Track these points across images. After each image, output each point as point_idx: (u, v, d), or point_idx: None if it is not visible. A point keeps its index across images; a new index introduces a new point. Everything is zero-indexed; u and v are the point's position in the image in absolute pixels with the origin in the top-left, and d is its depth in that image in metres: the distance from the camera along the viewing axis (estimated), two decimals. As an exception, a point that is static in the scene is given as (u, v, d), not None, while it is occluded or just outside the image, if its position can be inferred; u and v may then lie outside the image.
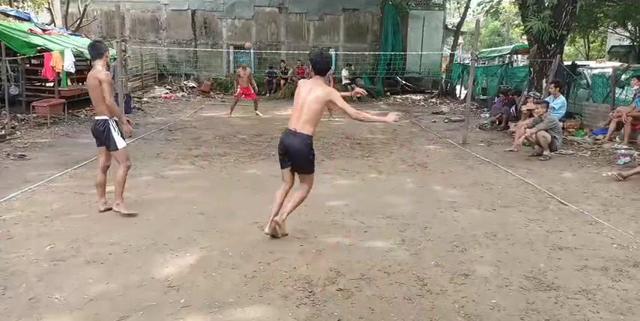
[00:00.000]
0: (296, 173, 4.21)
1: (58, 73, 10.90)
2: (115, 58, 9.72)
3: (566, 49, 20.35)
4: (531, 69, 12.23)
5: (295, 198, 4.17)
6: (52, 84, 11.55)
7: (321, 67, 4.10)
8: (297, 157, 4.08)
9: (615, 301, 3.22)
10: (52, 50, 10.79)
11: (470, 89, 10.06)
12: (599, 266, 3.77)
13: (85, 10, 17.38)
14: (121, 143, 4.69)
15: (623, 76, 10.44)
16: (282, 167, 4.22)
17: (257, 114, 12.91)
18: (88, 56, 11.19)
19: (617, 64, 13.81)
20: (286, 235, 4.23)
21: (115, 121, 4.72)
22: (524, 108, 10.14)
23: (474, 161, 7.66)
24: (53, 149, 7.87)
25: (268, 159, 7.52)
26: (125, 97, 9.27)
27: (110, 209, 4.81)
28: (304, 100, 4.03)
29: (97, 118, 4.69)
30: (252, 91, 12.92)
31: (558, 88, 9.46)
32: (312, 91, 4.03)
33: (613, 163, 7.56)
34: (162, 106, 14.69)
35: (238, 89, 12.86)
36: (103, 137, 4.67)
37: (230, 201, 5.31)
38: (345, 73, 18.19)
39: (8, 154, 7.23)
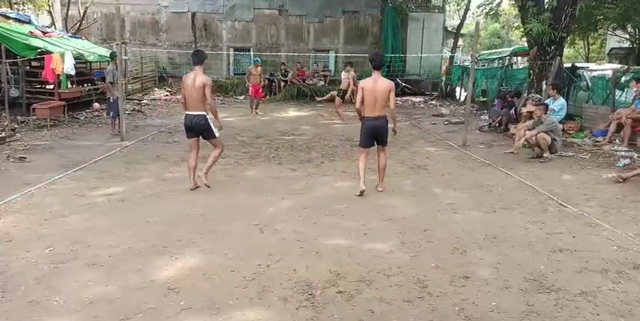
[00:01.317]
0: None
1: (58, 75, 10.93)
2: (111, 59, 9.72)
3: (566, 51, 20.27)
4: (531, 71, 12.21)
5: (383, 162, 5.79)
6: (52, 86, 11.57)
7: (376, 63, 5.48)
8: (383, 133, 5.63)
9: (615, 303, 3.22)
10: (53, 53, 10.82)
11: (470, 91, 10.06)
12: (599, 268, 3.77)
13: (85, 12, 17.40)
14: (217, 133, 5.73)
15: (623, 78, 10.43)
16: (367, 146, 5.69)
17: (256, 113, 13.05)
18: (89, 59, 11.33)
19: (616, 66, 13.82)
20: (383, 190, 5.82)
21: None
22: (523, 110, 10.14)
23: (474, 163, 7.66)
24: (53, 151, 7.87)
25: (268, 161, 7.52)
26: (114, 99, 9.25)
27: (199, 187, 5.67)
28: (374, 91, 5.35)
29: (196, 113, 5.57)
30: (261, 91, 13.46)
31: (557, 91, 9.47)
32: (379, 84, 5.38)
33: (613, 165, 7.55)
34: (162, 109, 14.70)
35: (250, 88, 13.08)
36: (202, 129, 5.63)
37: (230, 203, 5.31)
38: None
39: (8, 157, 7.24)
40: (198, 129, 5.62)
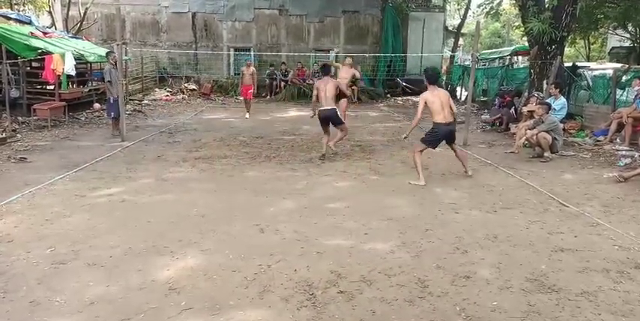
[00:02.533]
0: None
1: (59, 76, 10.93)
2: (107, 58, 9.73)
3: (567, 50, 20.27)
4: (532, 70, 12.21)
5: (460, 152, 6.80)
6: (52, 87, 11.57)
7: (433, 79, 6.29)
8: (454, 135, 6.44)
9: (617, 303, 3.21)
10: (53, 53, 10.82)
11: (470, 91, 10.05)
12: (601, 268, 3.76)
13: (85, 13, 17.38)
14: (343, 119, 7.82)
15: (624, 78, 10.42)
16: (434, 147, 6.50)
17: (246, 117, 12.71)
18: (89, 59, 11.46)
19: (617, 65, 13.81)
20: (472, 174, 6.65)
21: None
22: (524, 109, 10.13)
23: (475, 163, 7.65)
24: (54, 152, 7.88)
25: (269, 161, 7.52)
26: (114, 100, 9.24)
27: (324, 154, 7.57)
28: (442, 101, 6.16)
29: (329, 107, 7.47)
30: (251, 92, 13.01)
31: (558, 90, 9.46)
32: (442, 95, 6.24)
33: (614, 164, 7.55)
34: (163, 109, 14.70)
35: (241, 88, 13.02)
36: (333, 118, 7.54)
37: (230, 203, 5.31)
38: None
39: (9, 157, 7.24)
40: (330, 119, 7.53)
